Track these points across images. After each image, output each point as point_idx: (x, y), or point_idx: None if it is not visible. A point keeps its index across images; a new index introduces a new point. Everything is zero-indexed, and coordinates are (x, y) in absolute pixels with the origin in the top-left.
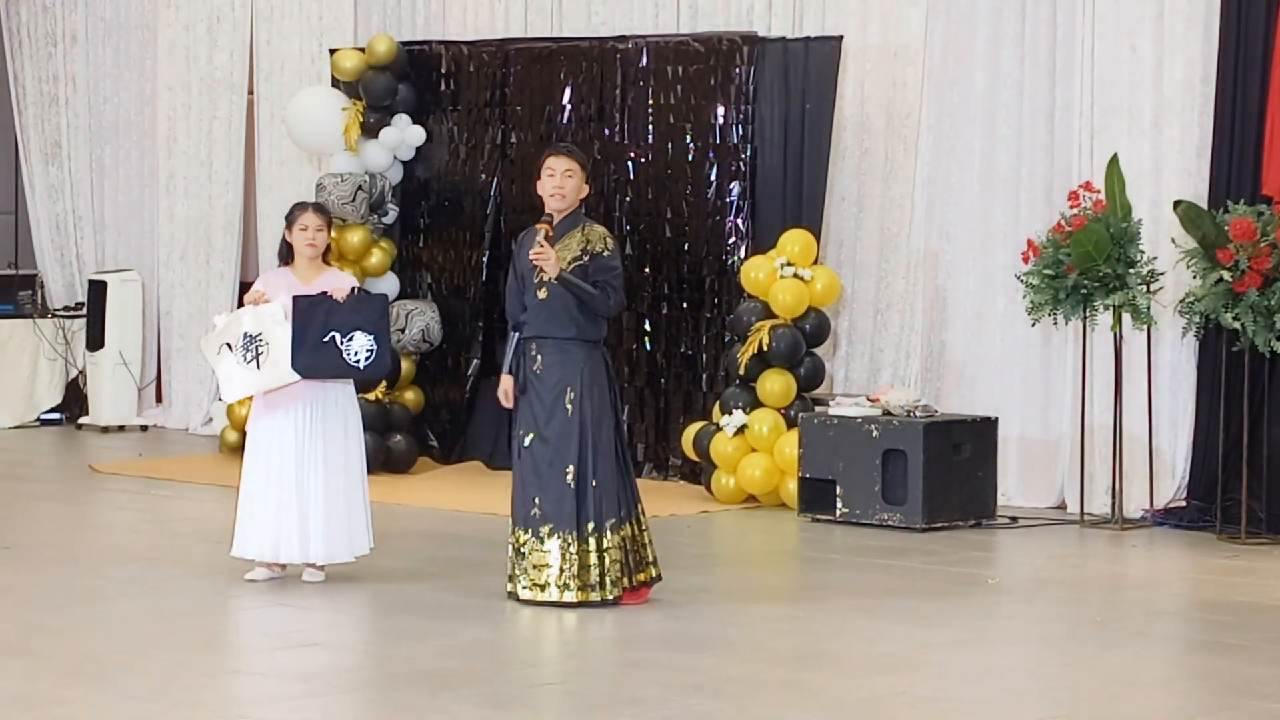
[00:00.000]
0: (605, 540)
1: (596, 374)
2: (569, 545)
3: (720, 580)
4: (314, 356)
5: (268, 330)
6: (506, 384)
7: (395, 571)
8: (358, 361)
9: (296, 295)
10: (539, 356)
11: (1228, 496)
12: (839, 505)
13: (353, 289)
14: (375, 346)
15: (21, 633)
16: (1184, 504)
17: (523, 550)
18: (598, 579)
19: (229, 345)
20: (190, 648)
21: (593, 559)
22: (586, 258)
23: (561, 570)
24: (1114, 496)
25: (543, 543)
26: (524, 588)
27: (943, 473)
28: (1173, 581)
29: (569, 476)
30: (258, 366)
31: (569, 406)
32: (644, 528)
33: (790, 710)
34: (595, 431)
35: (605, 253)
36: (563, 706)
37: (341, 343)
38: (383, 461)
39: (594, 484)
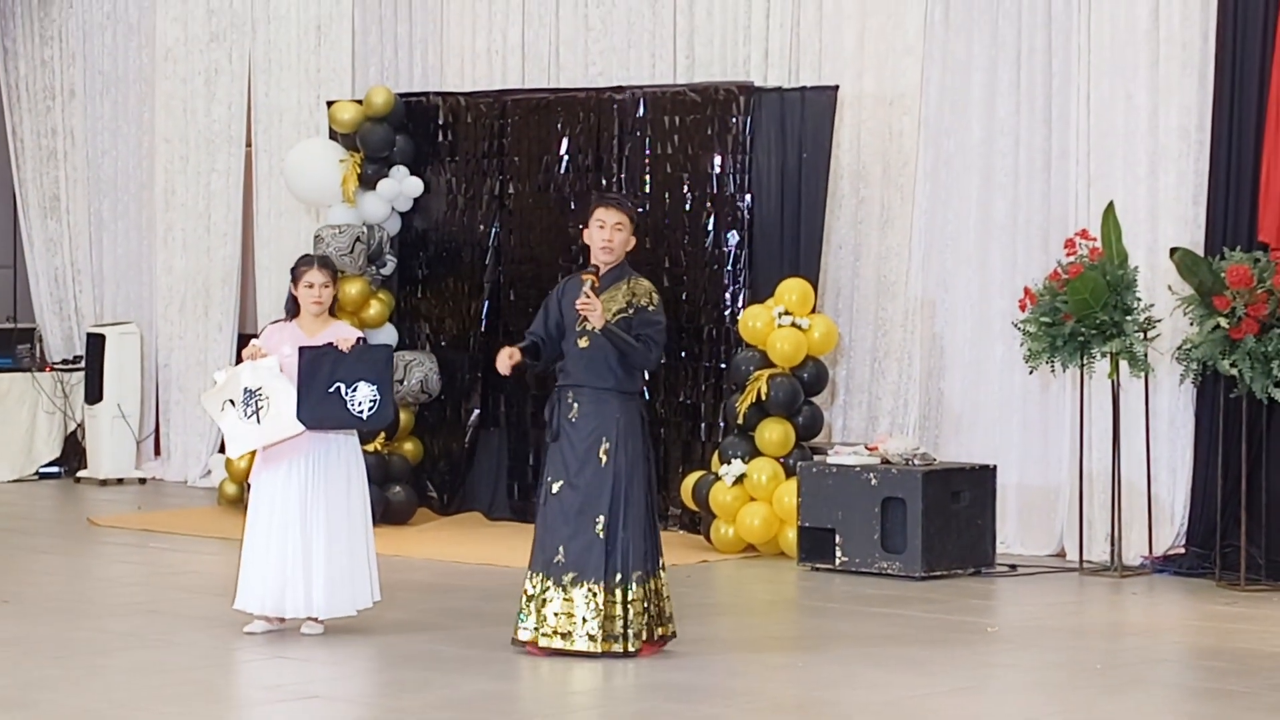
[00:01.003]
0: (631, 592)
1: (632, 425)
2: (595, 595)
3: (720, 630)
4: (319, 408)
5: (267, 384)
6: (508, 352)
7: (396, 623)
8: (361, 412)
9: (302, 346)
10: (575, 405)
11: (1227, 543)
12: (838, 554)
13: (358, 340)
14: (379, 397)
15: (20, 686)
16: (1183, 551)
17: (542, 597)
18: (621, 630)
19: (231, 401)
20: (189, 700)
21: (618, 610)
22: (631, 310)
23: (586, 620)
24: (1113, 544)
25: (566, 591)
26: (543, 635)
27: (942, 521)
28: (1172, 628)
29: (599, 526)
30: (258, 421)
31: (603, 457)
32: (665, 583)
33: None
34: (628, 483)
35: (650, 307)
36: None
37: (346, 393)
38: (382, 513)
39: (623, 536)
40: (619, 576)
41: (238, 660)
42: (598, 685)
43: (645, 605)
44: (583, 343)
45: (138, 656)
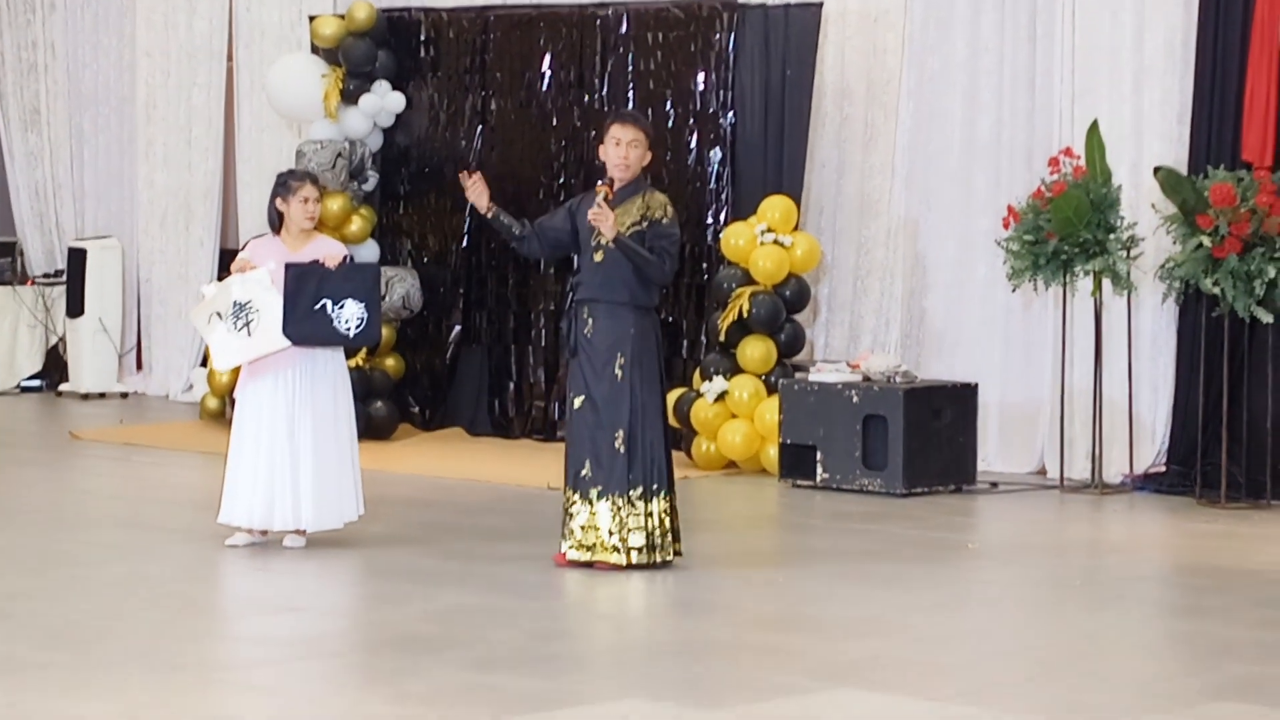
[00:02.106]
0: (653, 504)
1: (647, 340)
2: (619, 508)
3: (701, 546)
4: (305, 324)
5: (257, 297)
6: (481, 187)
7: (377, 537)
8: (348, 330)
9: (289, 263)
10: (591, 320)
11: (1207, 461)
12: (819, 471)
13: (345, 257)
14: (366, 315)
15: (2, 597)
16: (1164, 469)
17: (570, 510)
18: (644, 541)
19: (219, 314)
20: (171, 612)
21: (641, 522)
22: (645, 224)
23: (611, 533)
24: (1094, 461)
25: (592, 505)
26: (571, 548)
27: (923, 438)
28: (1152, 546)
29: (618, 440)
30: (249, 334)
31: (619, 371)
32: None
33: (771, 673)
34: (645, 396)
35: (664, 220)
36: (543, 670)
37: (332, 310)
38: (364, 428)
39: (643, 448)
40: (640, 489)
41: (219, 573)
42: (575, 598)
43: (668, 517)
44: (598, 256)
45: (119, 569)
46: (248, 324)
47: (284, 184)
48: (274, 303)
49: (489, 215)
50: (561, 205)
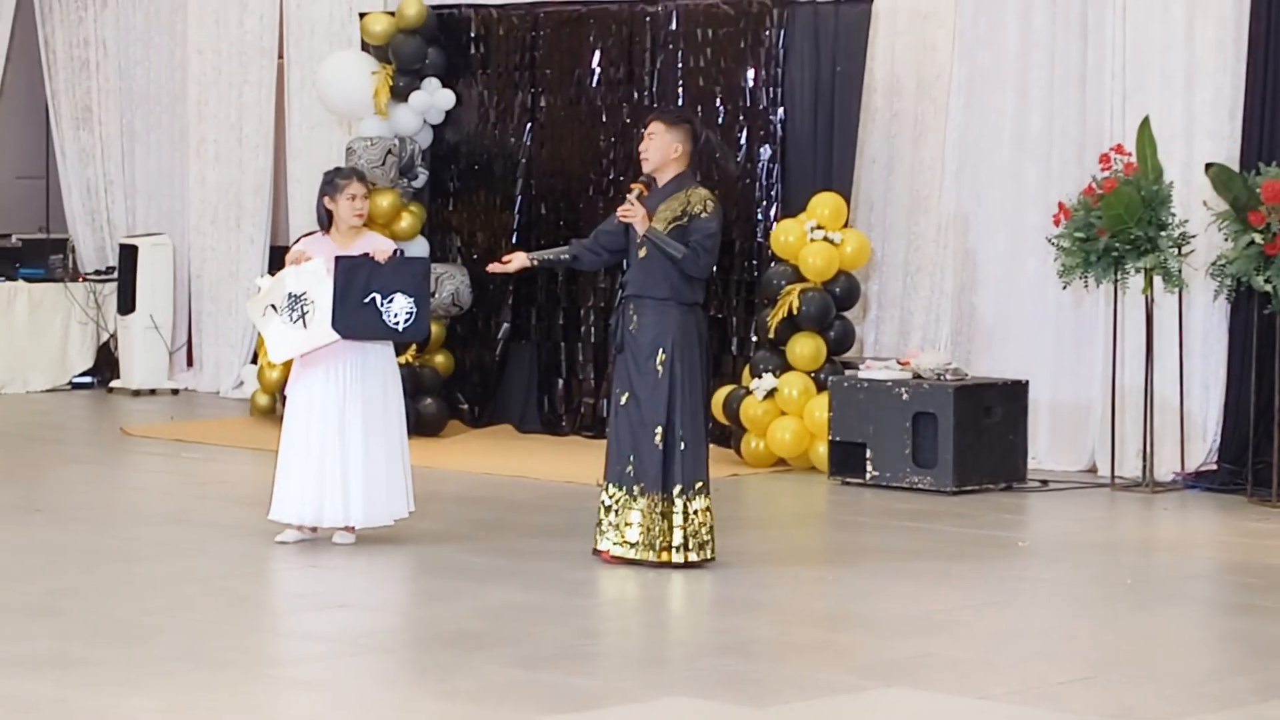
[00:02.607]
0: (691, 503)
1: (689, 336)
2: (656, 505)
3: (750, 543)
4: (354, 317)
5: (311, 289)
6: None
7: (426, 534)
8: (397, 324)
9: (339, 256)
10: (636, 316)
11: (1259, 459)
12: (869, 468)
13: (395, 251)
14: (415, 309)
15: (53, 594)
16: (1215, 467)
17: (614, 507)
18: (681, 540)
19: (274, 307)
20: (220, 608)
21: (679, 520)
22: (685, 219)
23: (648, 529)
24: (1145, 459)
25: (635, 501)
26: (614, 544)
27: (973, 436)
28: (1203, 544)
29: (656, 437)
30: (304, 325)
31: (659, 368)
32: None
33: (820, 671)
34: (685, 394)
35: (703, 214)
36: (591, 668)
37: (382, 304)
38: (413, 425)
39: (682, 446)
40: (679, 487)
41: (269, 569)
42: (622, 595)
43: (706, 516)
44: (641, 253)
45: (169, 565)
46: (303, 315)
47: (331, 182)
48: (327, 294)
49: (534, 264)
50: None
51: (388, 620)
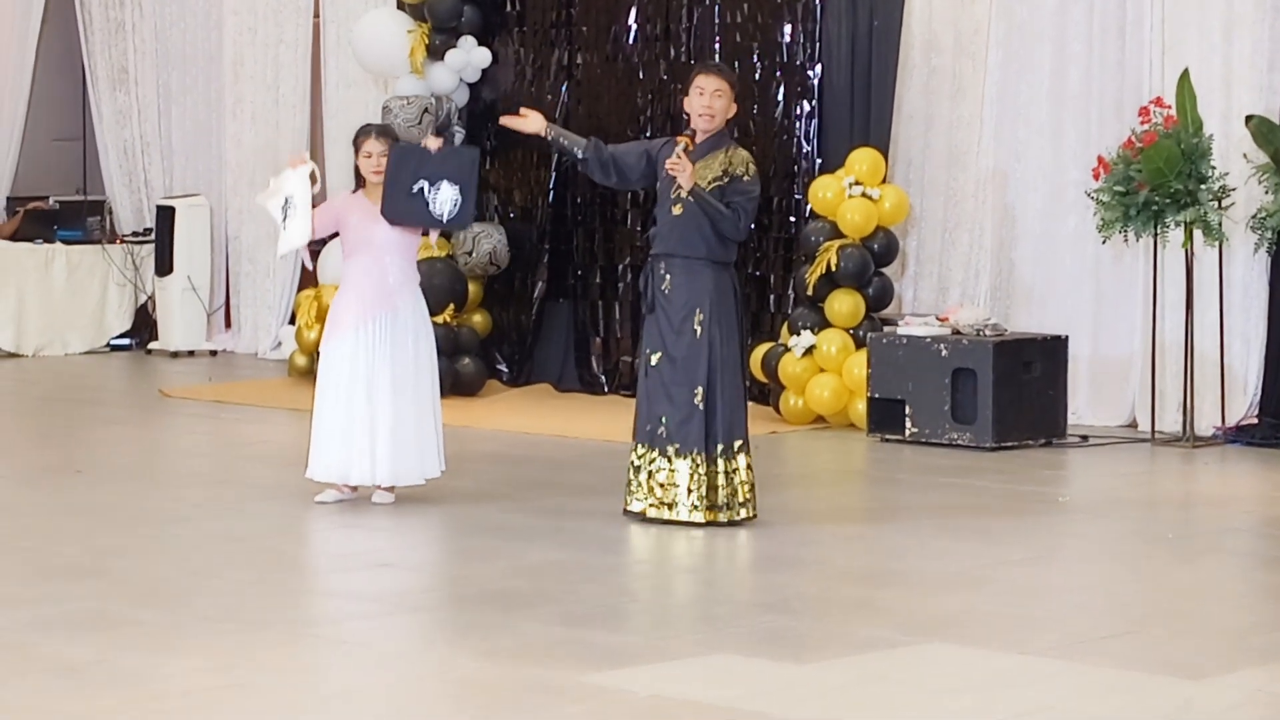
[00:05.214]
0: (733, 461)
1: (725, 295)
2: (699, 466)
3: (790, 500)
4: (402, 204)
5: (296, 192)
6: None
7: (465, 493)
8: (442, 214)
9: (394, 142)
10: (668, 276)
11: None
12: (908, 425)
13: (445, 140)
14: (460, 198)
15: (93, 554)
16: (1256, 421)
17: (648, 469)
18: (726, 499)
19: (278, 205)
20: (261, 568)
21: (721, 479)
22: (726, 179)
23: (690, 490)
24: (1185, 414)
25: (670, 462)
26: (651, 506)
27: (1013, 392)
28: (1244, 498)
29: (697, 397)
30: (284, 226)
31: (698, 328)
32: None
33: (861, 627)
34: (724, 353)
35: (745, 177)
36: (632, 625)
37: (429, 193)
38: (451, 384)
39: (722, 405)
40: (720, 446)
41: (308, 529)
42: (663, 553)
43: (748, 475)
44: (676, 210)
45: (209, 526)
46: (285, 217)
47: (353, 142)
48: (305, 200)
49: (548, 137)
50: (641, 142)
51: (428, 579)
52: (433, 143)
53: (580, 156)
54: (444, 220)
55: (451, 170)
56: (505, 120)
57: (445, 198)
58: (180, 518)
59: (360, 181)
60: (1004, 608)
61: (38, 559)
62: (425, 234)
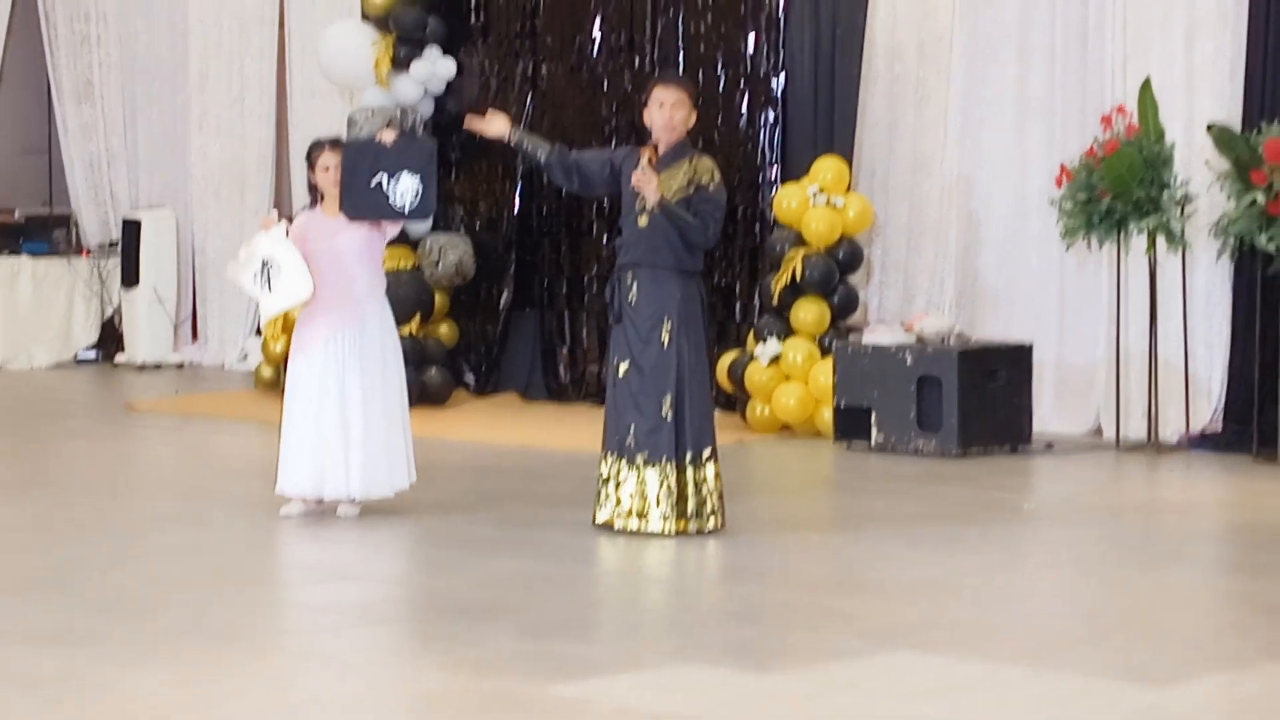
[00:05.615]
0: (702, 470)
1: (692, 305)
2: (668, 475)
3: (757, 509)
4: (362, 200)
5: (276, 253)
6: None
7: (432, 504)
8: (404, 206)
9: (347, 141)
10: (635, 286)
11: (1263, 419)
12: (874, 433)
13: (400, 132)
14: (421, 188)
15: (58, 567)
16: (1220, 427)
17: (617, 479)
18: (695, 508)
19: (255, 274)
20: (226, 581)
21: (690, 488)
22: (692, 189)
23: (660, 500)
24: (1150, 421)
25: (639, 472)
26: (620, 516)
27: (978, 399)
28: (1209, 505)
29: (665, 407)
30: (269, 289)
31: (665, 338)
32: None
33: (827, 636)
34: (692, 362)
35: (711, 185)
36: (599, 636)
37: (388, 185)
38: (418, 395)
39: (690, 414)
40: (689, 455)
41: (275, 542)
42: (631, 564)
43: (717, 484)
44: (642, 221)
45: (175, 538)
46: (269, 280)
47: (308, 155)
48: (290, 256)
49: (512, 142)
50: (605, 150)
51: (393, 591)
52: (388, 135)
53: (543, 160)
54: (406, 211)
55: (410, 160)
56: (470, 121)
57: (405, 188)
58: (146, 531)
59: (316, 197)
60: (969, 615)
61: (3, 573)
62: (390, 243)
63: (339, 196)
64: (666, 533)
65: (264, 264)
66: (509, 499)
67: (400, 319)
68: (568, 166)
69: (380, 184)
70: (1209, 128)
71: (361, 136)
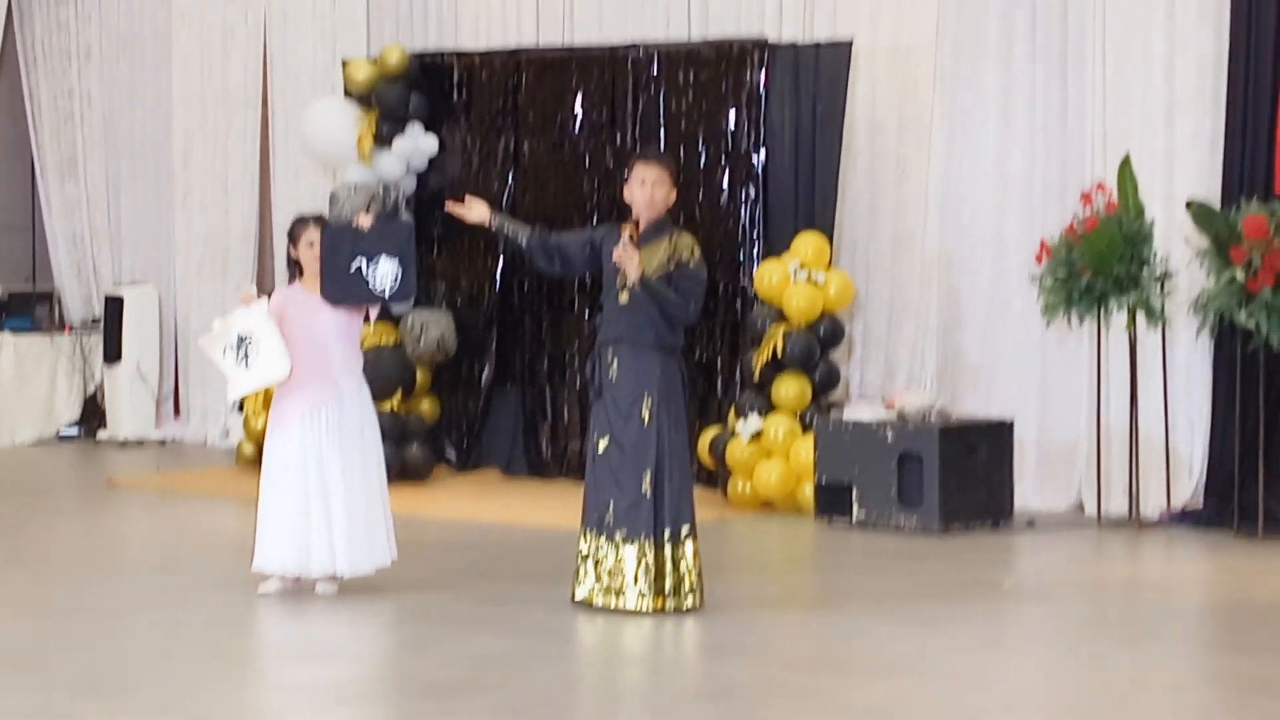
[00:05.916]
0: (681, 548)
1: (672, 381)
2: (646, 552)
3: (737, 587)
4: (342, 286)
5: (255, 330)
6: (474, 205)
7: (411, 582)
8: (384, 290)
9: (326, 224)
10: (615, 362)
11: (1245, 496)
12: (855, 510)
13: (377, 215)
14: (400, 271)
15: (36, 646)
16: (1201, 504)
17: (596, 556)
18: (673, 586)
19: (227, 347)
20: (204, 660)
21: (668, 566)
22: (673, 265)
23: (638, 577)
24: (1131, 497)
25: (618, 549)
26: (598, 593)
27: (959, 476)
28: (1190, 582)
29: (645, 484)
30: (247, 365)
31: (645, 414)
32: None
33: (799, 715)
34: (672, 439)
35: (692, 262)
36: (576, 714)
37: (368, 271)
38: (400, 471)
39: (670, 492)
40: (668, 532)
41: (253, 620)
42: (609, 641)
43: (695, 562)
44: (623, 298)
45: (153, 616)
46: (246, 356)
47: (290, 232)
48: (270, 334)
49: (493, 227)
50: (585, 230)
51: (371, 669)
52: (364, 219)
53: (524, 245)
54: (386, 295)
55: (389, 244)
56: (451, 207)
57: (385, 272)
58: (125, 609)
59: (296, 272)
60: (946, 695)
61: None
62: (367, 319)
63: (320, 283)
64: (643, 610)
65: (241, 340)
66: (488, 576)
67: (382, 395)
68: (549, 250)
69: (360, 269)
70: (1188, 204)
71: (343, 214)
